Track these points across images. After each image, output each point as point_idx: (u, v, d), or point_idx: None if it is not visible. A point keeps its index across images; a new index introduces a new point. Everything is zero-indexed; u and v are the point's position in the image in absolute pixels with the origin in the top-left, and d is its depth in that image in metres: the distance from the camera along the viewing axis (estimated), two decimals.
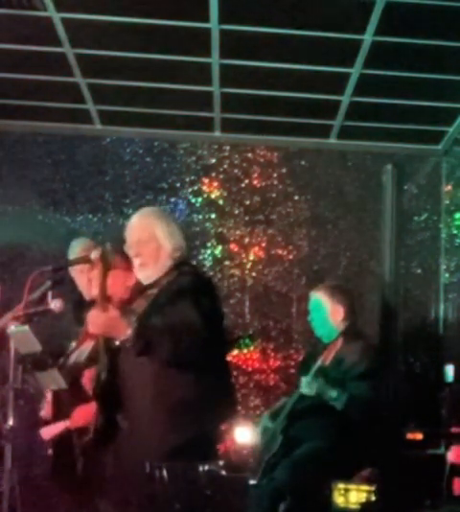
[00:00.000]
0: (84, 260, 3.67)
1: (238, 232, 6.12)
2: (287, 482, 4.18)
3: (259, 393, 5.96)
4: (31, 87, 5.24)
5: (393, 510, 4.20)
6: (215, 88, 5.19)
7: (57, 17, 4.40)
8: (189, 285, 3.34)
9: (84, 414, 3.71)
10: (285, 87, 5.18)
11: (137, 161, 6.08)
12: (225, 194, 6.13)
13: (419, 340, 6.01)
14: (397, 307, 5.68)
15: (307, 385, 4.34)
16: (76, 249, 4.30)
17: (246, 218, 6.12)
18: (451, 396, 5.41)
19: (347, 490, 4.08)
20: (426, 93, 5.22)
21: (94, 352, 3.73)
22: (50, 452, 4.18)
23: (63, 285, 4.24)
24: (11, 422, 4.36)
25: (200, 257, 6.04)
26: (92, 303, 3.59)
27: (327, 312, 4.65)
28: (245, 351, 5.84)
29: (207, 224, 6.09)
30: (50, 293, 4.12)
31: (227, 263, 6.09)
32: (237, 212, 6.12)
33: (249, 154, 6.14)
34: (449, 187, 6.10)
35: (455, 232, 6.01)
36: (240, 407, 5.86)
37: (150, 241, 3.45)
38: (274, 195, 6.15)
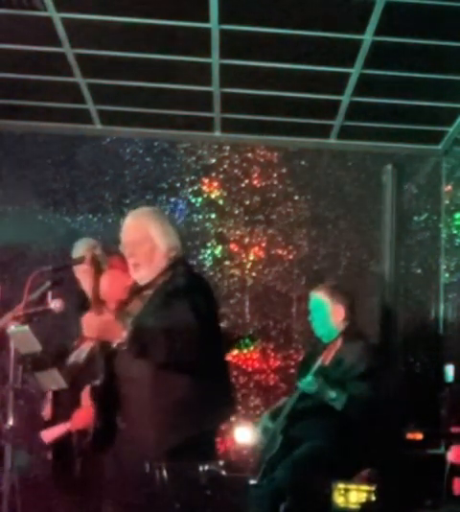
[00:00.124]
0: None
1: (238, 232, 6.12)
2: (287, 482, 4.18)
3: (259, 393, 5.96)
4: (31, 87, 5.24)
5: (393, 510, 4.20)
6: (215, 88, 5.19)
7: (57, 17, 4.40)
8: (184, 285, 3.31)
9: (84, 417, 3.71)
10: (285, 87, 5.18)
11: (137, 161, 6.08)
12: (225, 194, 6.13)
13: (419, 340, 6.01)
14: (397, 307, 5.68)
15: (307, 385, 4.34)
16: (80, 249, 4.30)
17: (246, 218, 6.12)
18: (451, 396, 5.41)
19: (347, 490, 4.09)
20: (426, 93, 5.22)
21: (93, 352, 3.73)
22: (49, 454, 4.18)
23: (63, 285, 4.23)
24: (11, 422, 4.35)
25: (200, 257, 6.04)
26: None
27: (327, 312, 4.65)
28: (245, 351, 5.84)
29: (207, 224, 6.09)
30: (50, 293, 4.11)
31: (227, 263, 6.09)
32: (237, 212, 6.12)
33: (249, 154, 6.14)
34: (449, 187, 6.10)
35: (455, 232, 6.01)
36: (240, 407, 5.87)
37: (145, 241, 3.42)
38: (274, 195, 6.14)
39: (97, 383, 3.47)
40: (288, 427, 4.43)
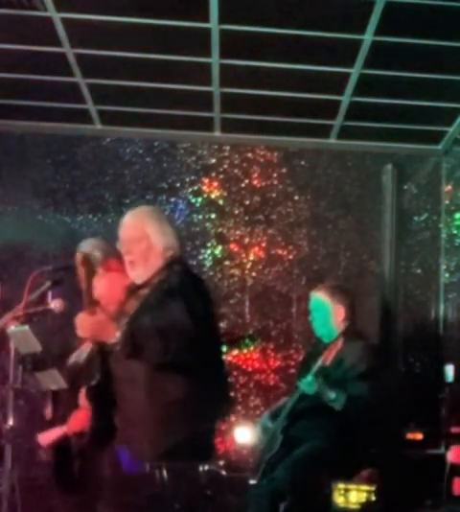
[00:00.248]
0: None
1: (238, 232, 6.11)
2: (287, 482, 4.18)
3: (259, 393, 5.96)
4: (31, 87, 5.25)
5: (393, 510, 4.20)
6: (215, 88, 5.19)
7: (57, 17, 4.40)
8: (178, 284, 3.29)
9: (81, 419, 3.70)
10: (285, 87, 5.18)
11: (137, 161, 6.08)
12: (225, 194, 6.13)
13: (419, 340, 6.00)
14: (397, 307, 5.68)
15: (307, 385, 4.34)
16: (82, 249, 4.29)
17: (246, 218, 6.12)
18: (451, 396, 5.41)
19: (347, 490, 4.09)
20: (426, 93, 5.22)
21: (93, 353, 3.73)
22: (48, 455, 4.18)
23: (63, 285, 4.23)
24: (11, 422, 4.36)
25: (200, 257, 6.04)
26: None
27: (328, 312, 4.65)
28: (245, 351, 5.84)
29: (207, 224, 6.09)
30: (50, 293, 4.12)
31: (227, 263, 6.09)
32: (237, 212, 6.11)
33: (249, 154, 6.14)
34: (449, 187, 6.10)
35: (455, 232, 6.01)
36: (240, 407, 5.87)
37: (141, 239, 3.43)
38: (274, 195, 6.14)
39: (93, 383, 3.46)
40: (288, 427, 4.43)
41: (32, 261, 5.62)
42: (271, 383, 5.97)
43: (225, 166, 6.12)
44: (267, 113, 5.58)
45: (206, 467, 3.33)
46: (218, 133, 5.89)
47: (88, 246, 4.18)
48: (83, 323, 3.27)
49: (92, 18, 4.42)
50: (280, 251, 6.12)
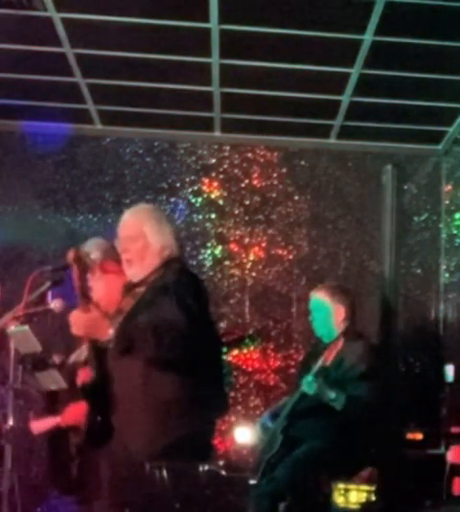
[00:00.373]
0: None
1: (238, 232, 6.11)
2: (287, 482, 4.18)
3: (259, 393, 5.95)
4: (31, 87, 5.25)
5: (393, 510, 4.20)
6: (215, 88, 5.19)
7: (57, 17, 4.41)
8: (173, 281, 3.28)
9: (75, 413, 3.69)
10: (285, 87, 5.18)
11: (137, 161, 6.07)
12: (225, 194, 6.12)
13: (419, 340, 6.00)
14: (397, 307, 5.68)
15: (307, 385, 4.34)
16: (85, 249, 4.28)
17: (246, 218, 6.11)
18: (451, 396, 5.42)
19: (347, 490, 4.09)
20: (426, 93, 5.22)
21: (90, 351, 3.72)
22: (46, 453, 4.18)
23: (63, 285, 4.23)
24: (11, 422, 4.36)
25: (200, 257, 6.04)
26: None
27: (328, 312, 4.65)
28: (245, 351, 5.84)
29: (207, 224, 6.08)
30: (50, 293, 4.11)
31: (227, 263, 6.08)
32: (237, 212, 6.11)
33: (249, 154, 6.13)
34: (449, 187, 6.10)
35: (455, 232, 6.02)
36: (240, 407, 5.87)
37: (138, 238, 3.42)
38: (274, 195, 6.14)
39: (88, 380, 3.46)
40: (289, 427, 4.43)
41: (32, 261, 5.61)
42: (271, 383, 5.97)
43: (225, 166, 6.11)
44: (267, 113, 5.59)
45: (206, 467, 3.33)
46: (218, 133, 5.90)
47: (86, 247, 4.18)
48: (77, 321, 3.27)
49: (92, 18, 4.43)
50: (280, 251, 6.12)
